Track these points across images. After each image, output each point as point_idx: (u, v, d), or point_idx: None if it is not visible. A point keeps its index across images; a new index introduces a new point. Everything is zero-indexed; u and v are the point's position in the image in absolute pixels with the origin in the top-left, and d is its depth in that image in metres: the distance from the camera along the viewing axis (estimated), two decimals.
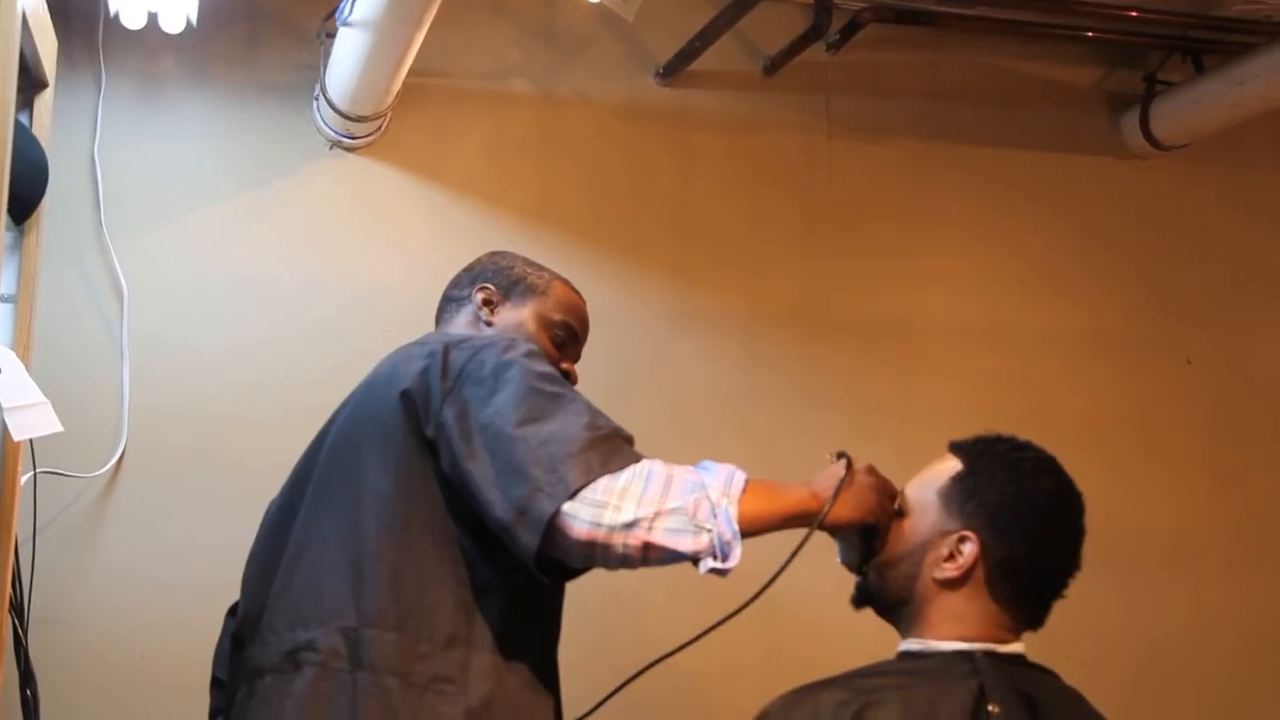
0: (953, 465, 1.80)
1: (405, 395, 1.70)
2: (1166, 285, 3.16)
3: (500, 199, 2.81)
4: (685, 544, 1.58)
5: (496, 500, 1.60)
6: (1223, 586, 3.08)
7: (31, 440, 2.19)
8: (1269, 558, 3.11)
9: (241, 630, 1.83)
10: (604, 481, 1.57)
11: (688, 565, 1.60)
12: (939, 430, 1.89)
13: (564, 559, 1.61)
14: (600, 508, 1.56)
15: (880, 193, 3.04)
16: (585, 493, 1.56)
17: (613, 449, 1.63)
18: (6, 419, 1.96)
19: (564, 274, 2.08)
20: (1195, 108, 3.05)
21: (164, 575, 2.43)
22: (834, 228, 3.00)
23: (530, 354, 1.72)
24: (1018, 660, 1.73)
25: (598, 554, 1.58)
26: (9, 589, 2.17)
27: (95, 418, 2.57)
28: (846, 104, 3.03)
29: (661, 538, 1.57)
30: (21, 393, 1.96)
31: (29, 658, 2.39)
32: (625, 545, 1.56)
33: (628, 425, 1.73)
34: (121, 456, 2.56)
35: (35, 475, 2.44)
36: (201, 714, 1.98)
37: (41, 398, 2.01)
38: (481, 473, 1.62)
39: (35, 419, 1.98)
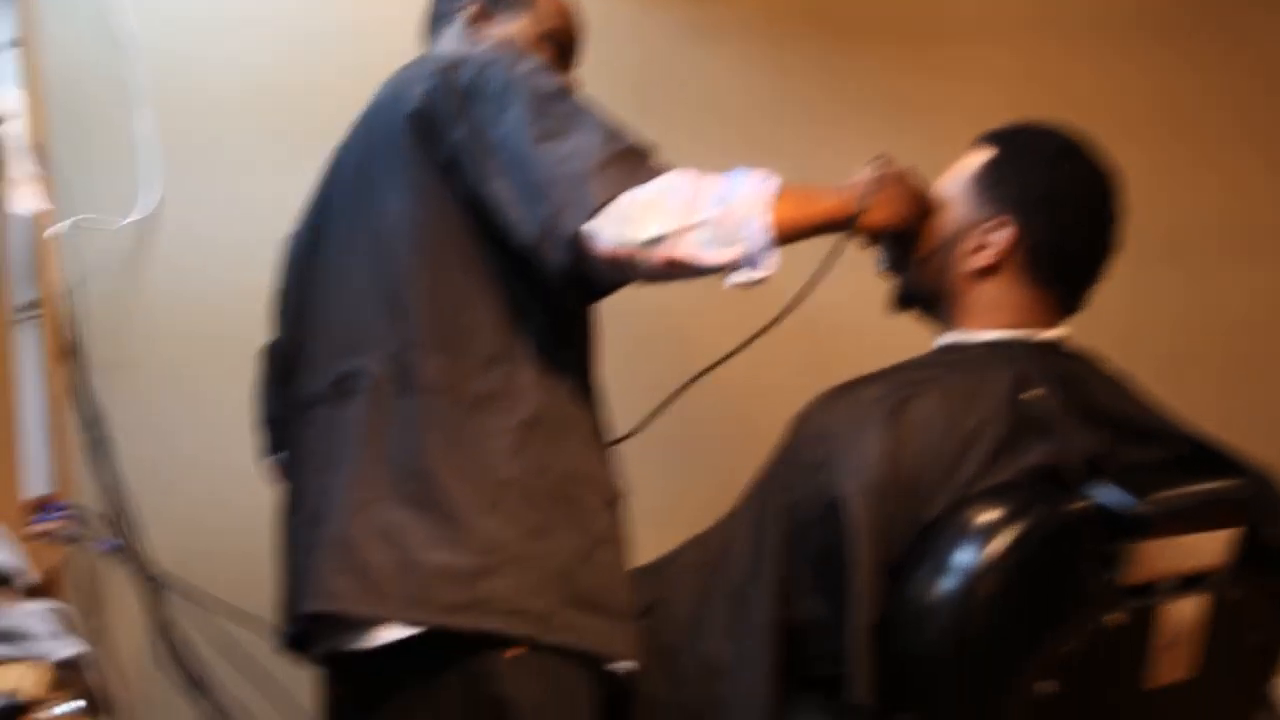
0: (984, 154, 1.80)
1: (413, 117, 1.67)
2: None
3: None
4: (714, 256, 1.57)
5: (520, 221, 1.59)
6: (1255, 265, 3.10)
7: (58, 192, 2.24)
8: None
9: (284, 365, 1.86)
10: (628, 195, 1.56)
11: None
12: (972, 130, 1.86)
13: (592, 276, 1.61)
14: (626, 223, 1.55)
15: None
16: (610, 208, 1.55)
17: (635, 162, 1.60)
18: (15, 196, 1.98)
19: None
20: None
21: (222, 306, 2.48)
22: None
23: (537, 69, 1.68)
24: (1057, 346, 1.76)
25: (625, 270, 1.59)
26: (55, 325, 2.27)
27: (121, 170, 2.57)
28: None
29: (690, 250, 1.56)
30: (22, 164, 1.97)
31: (90, 394, 2.49)
32: (654, 259, 1.56)
33: (656, 143, 1.68)
34: (160, 203, 2.59)
35: (66, 227, 2.47)
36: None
37: (31, 173, 2.04)
38: (502, 194, 1.61)
39: (27, 194, 2.00)
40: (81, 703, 1.60)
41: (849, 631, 1.56)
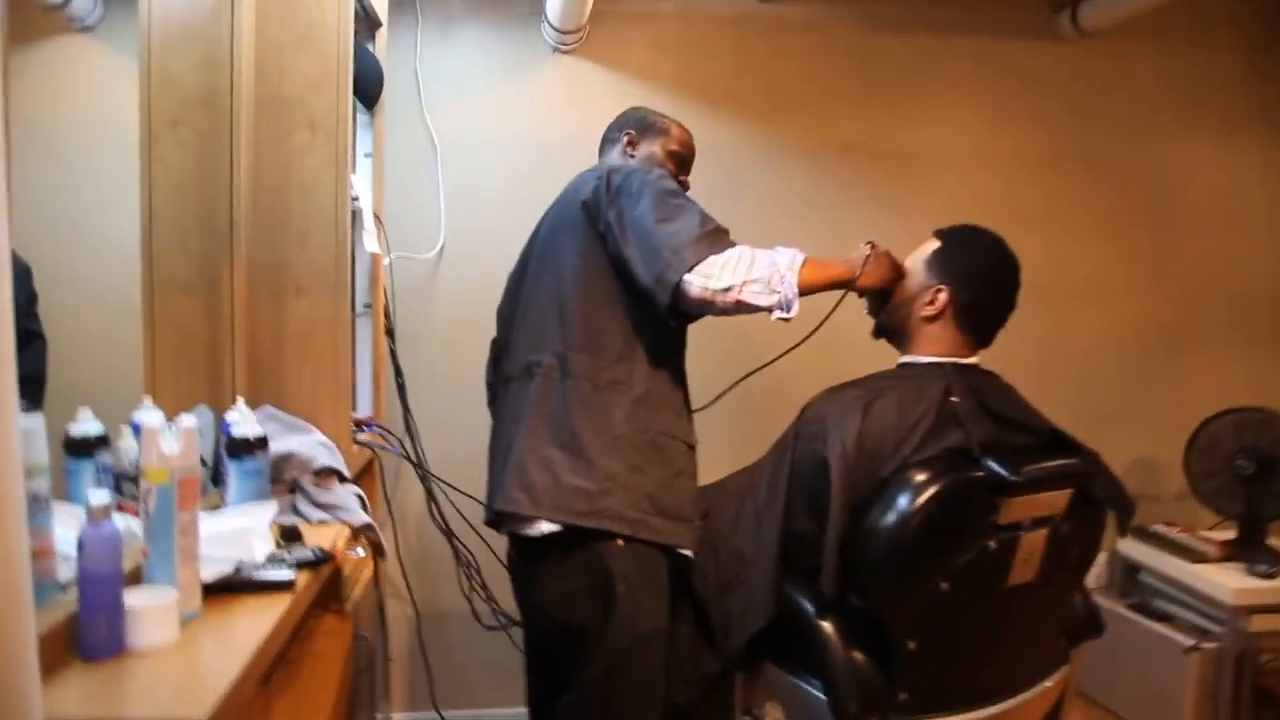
0: (934, 243, 1.69)
1: (584, 206, 1.64)
2: (1087, 122, 2.82)
3: (657, 79, 2.61)
4: (763, 301, 1.52)
5: (643, 273, 1.55)
6: (1095, 309, 2.88)
7: (388, 238, 2.22)
8: (1125, 287, 2.88)
9: (498, 352, 1.83)
10: (710, 260, 1.51)
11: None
12: (933, 220, 1.78)
13: (685, 309, 1.56)
14: (707, 278, 1.51)
15: (900, 67, 2.73)
16: (699, 268, 1.51)
17: (716, 239, 1.55)
18: (366, 241, 1.97)
19: (694, 127, 1.96)
20: (1111, 4, 2.65)
21: (476, 310, 2.29)
22: (872, 92, 2.73)
23: (662, 177, 1.63)
24: (974, 368, 1.65)
25: (707, 307, 1.54)
26: (382, 316, 2.26)
27: (425, 224, 2.55)
28: (880, 9, 2.71)
29: (748, 296, 1.52)
30: (370, 221, 1.97)
31: (398, 357, 2.46)
32: (724, 301, 1.52)
33: (735, 218, 1.66)
34: (443, 245, 2.55)
35: (392, 259, 2.47)
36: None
37: (374, 228, 2.03)
38: (632, 255, 1.56)
39: (372, 241, 2.00)
40: (363, 551, 1.54)
41: (826, 544, 1.48)
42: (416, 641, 2.58)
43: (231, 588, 1.18)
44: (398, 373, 2.47)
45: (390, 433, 2.14)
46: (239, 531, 1.24)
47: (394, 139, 2.43)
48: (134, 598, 1.02)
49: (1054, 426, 1.64)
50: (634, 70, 2.61)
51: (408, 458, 2.38)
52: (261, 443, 1.43)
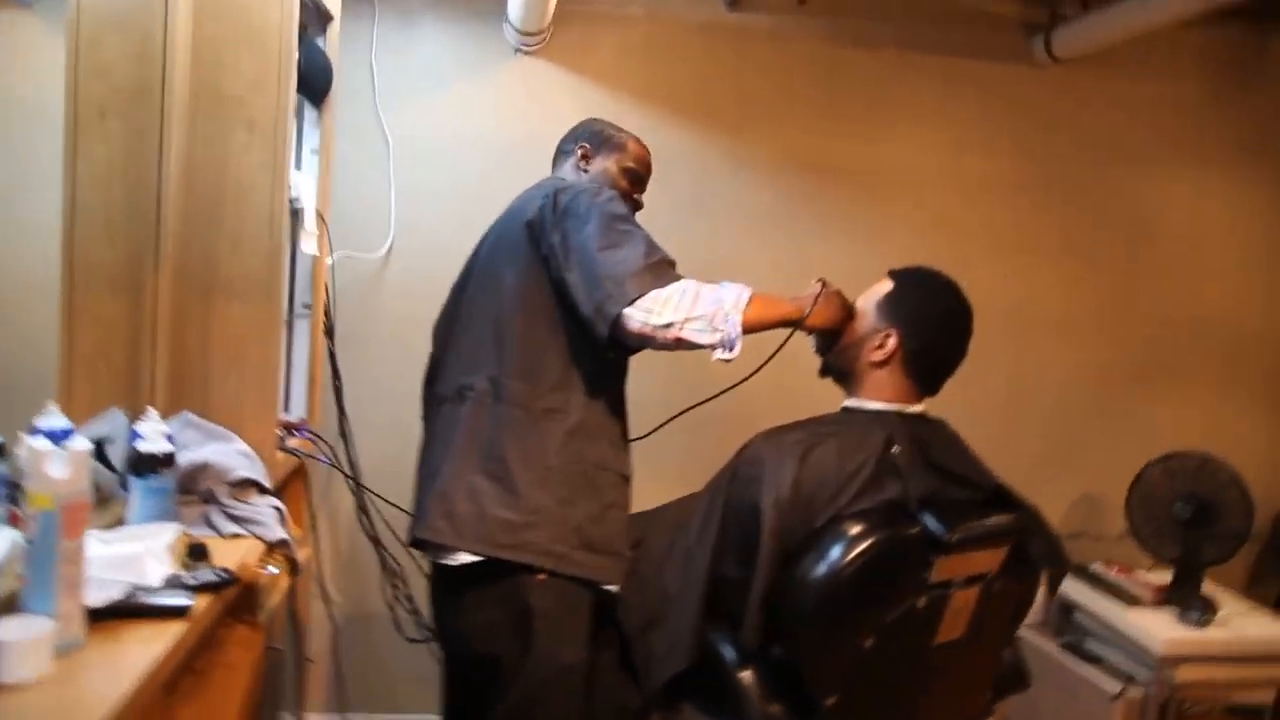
0: (887, 285, 1.65)
1: (528, 225, 1.57)
2: (1049, 149, 2.79)
3: (621, 85, 2.55)
4: (704, 339, 1.47)
5: (583, 301, 1.49)
6: (1061, 338, 2.86)
7: (332, 237, 2.16)
8: (1092, 318, 2.86)
9: (431, 371, 1.76)
10: (652, 294, 1.45)
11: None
12: (899, 241, 1.77)
13: (624, 342, 1.50)
14: (648, 312, 1.45)
15: (868, 84, 2.69)
16: (640, 301, 1.45)
17: (661, 271, 1.49)
18: (304, 242, 1.91)
19: (659, 136, 1.93)
20: (1084, 33, 2.64)
21: (423, 311, 2.19)
22: (840, 107, 2.68)
23: (611, 199, 1.56)
24: (919, 417, 1.61)
25: (646, 342, 1.48)
26: (322, 316, 2.17)
27: (374, 223, 2.47)
28: (848, 24, 2.67)
29: (689, 334, 1.46)
30: (311, 222, 1.90)
31: (336, 359, 2.39)
32: (664, 338, 1.46)
33: (700, 228, 1.61)
34: (392, 244, 2.48)
35: (336, 257, 2.39)
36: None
37: (315, 229, 1.97)
38: (574, 281, 1.50)
39: (312, 243, 1.95)
40: (276, 569, 1.48)
41: (750, 594, 1.45)
42: (335, 645, 2.53)
43: (123, 613, 1.13)
44: (335, 375, 2.40)
45: (321, 438, 2.06)
46: (132, 555, 1.18)
47: (346, 135, 2.35)
48: (3, 629, 0.96)
49: (996, 481, 1.60)
50: (598, 74, 2.55)
51: (337, 467, 2.30)
52: (169, 459, 1.36)
